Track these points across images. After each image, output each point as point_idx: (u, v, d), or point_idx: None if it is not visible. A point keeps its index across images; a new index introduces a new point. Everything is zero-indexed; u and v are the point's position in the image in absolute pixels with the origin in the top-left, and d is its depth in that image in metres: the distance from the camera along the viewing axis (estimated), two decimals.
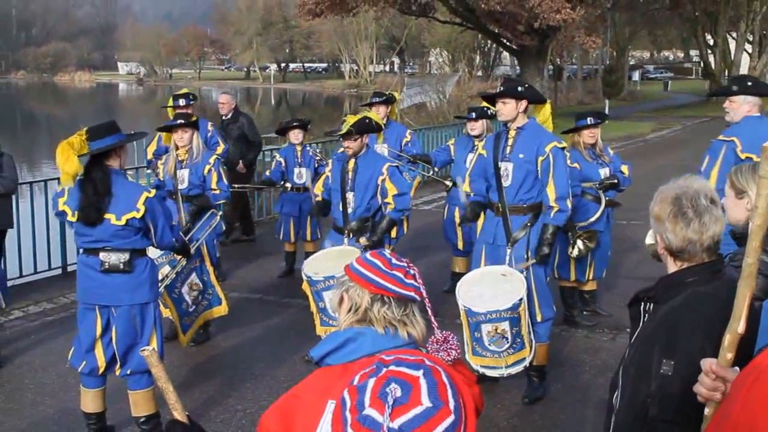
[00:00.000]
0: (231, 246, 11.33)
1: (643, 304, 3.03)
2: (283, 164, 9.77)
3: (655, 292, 2.95)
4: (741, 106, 6.46)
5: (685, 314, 2.77)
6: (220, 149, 9.56)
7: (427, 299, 2.36)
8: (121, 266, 5.32)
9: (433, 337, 2.28)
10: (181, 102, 9.57)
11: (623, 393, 2.99)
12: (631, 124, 33.81)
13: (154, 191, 5.37)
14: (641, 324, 3.03)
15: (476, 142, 8.19)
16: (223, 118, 11.09)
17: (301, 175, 9.69)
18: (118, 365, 5.48)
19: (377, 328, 2.30)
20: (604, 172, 7.83)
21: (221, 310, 7.37)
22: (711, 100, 37.86)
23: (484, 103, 7.50)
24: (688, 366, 2.40)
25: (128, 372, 5.50)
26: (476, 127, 8.43)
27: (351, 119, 7.03)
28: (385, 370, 1.60)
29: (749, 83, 6.76)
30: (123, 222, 5.22)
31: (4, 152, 7.85)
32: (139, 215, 5.23)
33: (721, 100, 6.91)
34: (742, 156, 6.26)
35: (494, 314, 5.59)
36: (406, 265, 2.37)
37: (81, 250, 5.48)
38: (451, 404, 1.56)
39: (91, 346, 5.45)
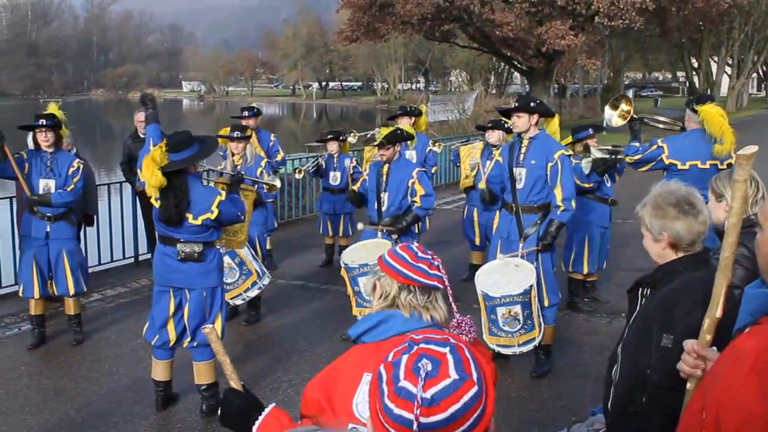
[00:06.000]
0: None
1: (641, 289, 3.05)
2: (323, 165, 9.81)
3: (653, 278, 2.98)
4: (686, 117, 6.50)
5: (683, 295, 2.79)
6: (280, 156, 9.66)
7: (449, 287, 2.34)
8: (196, 255, 5.38)
9: (453, 320, 2.27)
10: (246, 113, 9.48)
11: (623, 366, 2.98)
12: (625, 136, 33.09)
13: (224, 193, 5.40)
14: (639, 306, 3.04)
15: (493, 151, 8.17)
16: (142, 135, 9.06)
17: (336, 178, 9.70)
18: (187, 339, 5.54)
19: (404, 313, 2.29)
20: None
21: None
22: None
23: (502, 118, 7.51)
24: (686, 339, 2.38)
25: (195, 344, 5.55)
26: (493, 136, 8.41)
27: (383, 131, 7.05)
28: (416, 347, 1.59)
29: (690, 98, 6.77)
30: (199, 222, 5.27)
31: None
32: (213, 216, 5.27)
33: None
34: (666, 161, 6.24)
35: (508, 298, 5.58)
36: (430, 257, 2.34)
37: (159, 239, 5.53)
38: (475, 376, 1.55)
39: (164, 323, 5.51)
